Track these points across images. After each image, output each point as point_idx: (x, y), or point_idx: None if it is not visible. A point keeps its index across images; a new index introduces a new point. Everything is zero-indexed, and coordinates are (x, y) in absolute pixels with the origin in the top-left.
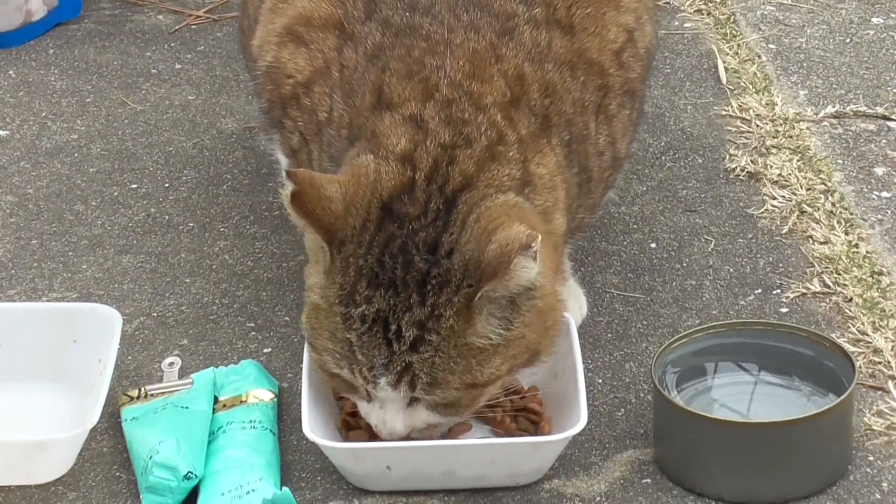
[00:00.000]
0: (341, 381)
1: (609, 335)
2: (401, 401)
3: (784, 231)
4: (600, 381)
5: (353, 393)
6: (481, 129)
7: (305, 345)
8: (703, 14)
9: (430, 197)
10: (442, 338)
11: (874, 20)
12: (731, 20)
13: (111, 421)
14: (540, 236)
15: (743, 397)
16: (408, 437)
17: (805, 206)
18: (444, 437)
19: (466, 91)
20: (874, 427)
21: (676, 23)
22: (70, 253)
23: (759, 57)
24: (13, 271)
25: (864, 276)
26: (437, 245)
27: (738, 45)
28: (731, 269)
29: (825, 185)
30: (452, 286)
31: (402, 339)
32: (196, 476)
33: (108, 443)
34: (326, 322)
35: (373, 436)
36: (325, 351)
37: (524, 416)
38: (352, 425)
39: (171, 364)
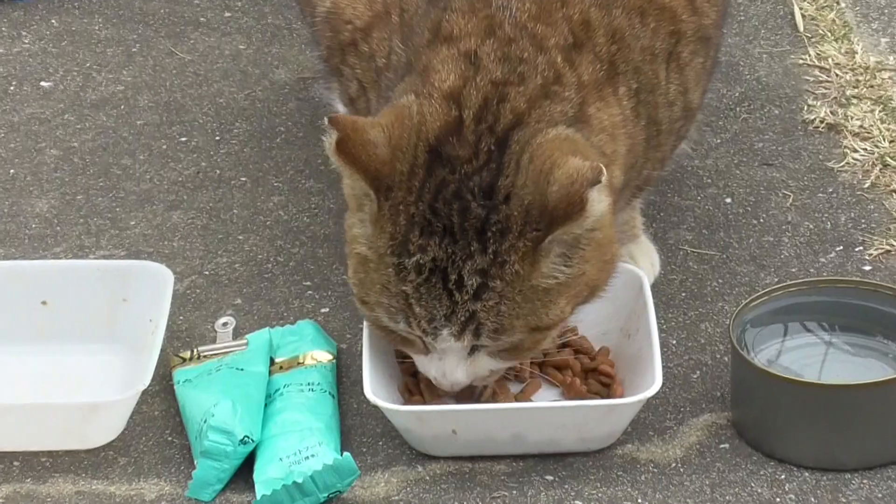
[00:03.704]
0: (396, 336)
1: (683, 294)
2: (462, 350)
3: (866, 185)
4: (674, 341)
5: (408, 347)
6: (538, 69)
7: None
8: None
9: (480, 137)
10: (506, 283)
11: None
12: None
13: (163, 383)
14: (601, 165)
15: (823, 358)
16: (468, 395)
17: (888, 158)
18: (513, 399)
19: (530, 32)
20: None
21: None
22: (118, 209)
23: (838, 3)
24: (59, 228)
25: None
26: (492, 190)
27: None
28: (811, 225)
29: None
30: (515, 232)
31: (464, 287)
32: (253, 440)
33: (160, 406)
34: (377, 275)
35: (432, 402)
36: (377, 305)
37: (595, 378)
38: (412, 390)
39: (225, 324)
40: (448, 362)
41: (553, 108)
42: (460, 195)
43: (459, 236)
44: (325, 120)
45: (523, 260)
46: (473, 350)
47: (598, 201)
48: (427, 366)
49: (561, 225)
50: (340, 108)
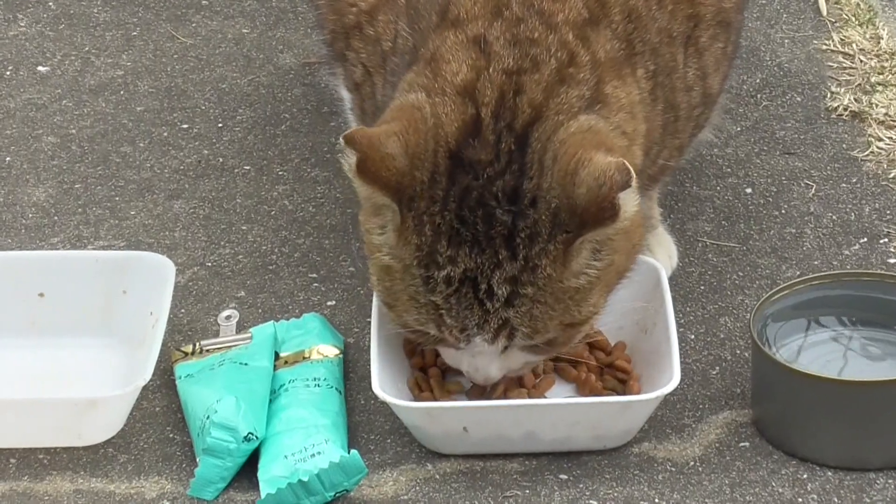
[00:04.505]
0: (426, 336)
1: (702, 287)
2: (496, 350)
3: (891, 175)
4: (693, 336)
5: (438, 344)
6: (551, 50)
7: (374, 297)
8: None
9: (499, 137)
10: (538, 288)
11: None
12: None
13: (164, 378)
14: (626, 163)
15: (848, 353)
16: (480, 392)
17: None
18: (526, 396)
19: (538, 10)
20: None
21: None
22: (117, 198)
23: None
24: (56, 217)
25: None
26: (517, 194)
27: None
28: (834, 217)
29: None
30: (544, 236)
31: (495, 296)
32: (257, 437)
33: (161, 402)
34: (403, 285)
35: (442, 398)
36: (405, 312)
37: (611, 373)
38: (422, 386)
39: (228, 317)
40: (481, 359)
41: (570, 94)
42: (484, 201)
43: (486, 245)
44: (341, 140)
45: (555, 262)
46: (507, 346)
47: (629, 202)
48: (458, 360)
49: (592, 228)
50: (345, 95)
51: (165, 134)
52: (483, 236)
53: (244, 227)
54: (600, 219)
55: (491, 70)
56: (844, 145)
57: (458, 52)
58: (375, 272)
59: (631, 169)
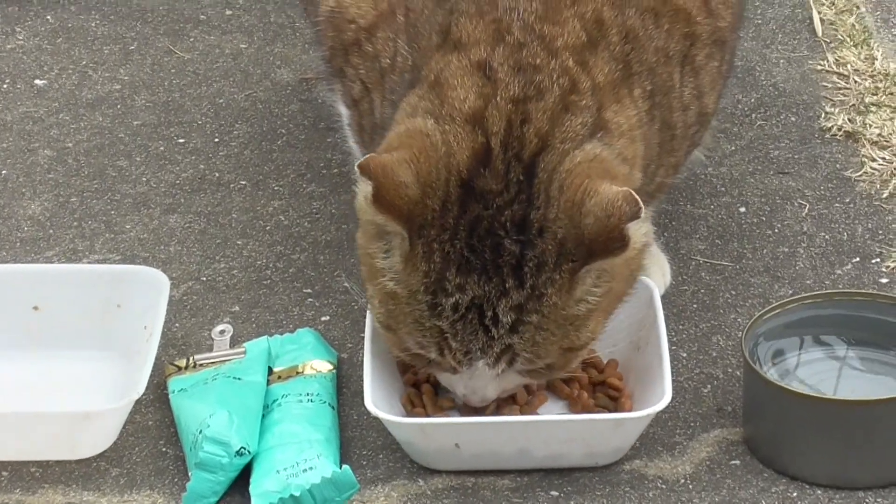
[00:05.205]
0: (423, 359)
1: (695, 305)
2: (494, 372)
3: (884, 195)
4: (685, 354)
5: (434, 368)
6: (553, 77)
7: (368, 313)
8: None
9: (508, 167)
10: (543, 315)
11: None
12: None
13: (157, 392)
14: (633, 192)
15: (839, 373)
16: (473, 408)
17: None
18: (519, 413)
19: (538, 34)
20: None
21: None
22: (113, 212)
23: (858, 7)
24: (51, 231)
25: None
26: (525, 224)
27: None
28: (827, 236)
29: None
30: (550, 265)
31: (500, 323)
32: (249, 452)
33: (154, 416)
34: (408, 310)
35: (435, 414)
36: (407, 336)
37: (603, 391)
38: (415, 402)
39: (222, 332)
40: (478, 381)
41: (574, 123)
42: (493, 231)
43: (494, 273)
44: (356, 170)
45: (560, 291)
46: (506, 370)
47: (638, 232)
48: (454, 383)
49: (601, 258)
50: (343, 111)
51: (162, 148)
52: (491, 265)
53: (239, 242)
54: (610, 249)
55: (498, 98)
56: (838, 165)
57: (464, 78)
58: (377, 295)
59: (638, 199)
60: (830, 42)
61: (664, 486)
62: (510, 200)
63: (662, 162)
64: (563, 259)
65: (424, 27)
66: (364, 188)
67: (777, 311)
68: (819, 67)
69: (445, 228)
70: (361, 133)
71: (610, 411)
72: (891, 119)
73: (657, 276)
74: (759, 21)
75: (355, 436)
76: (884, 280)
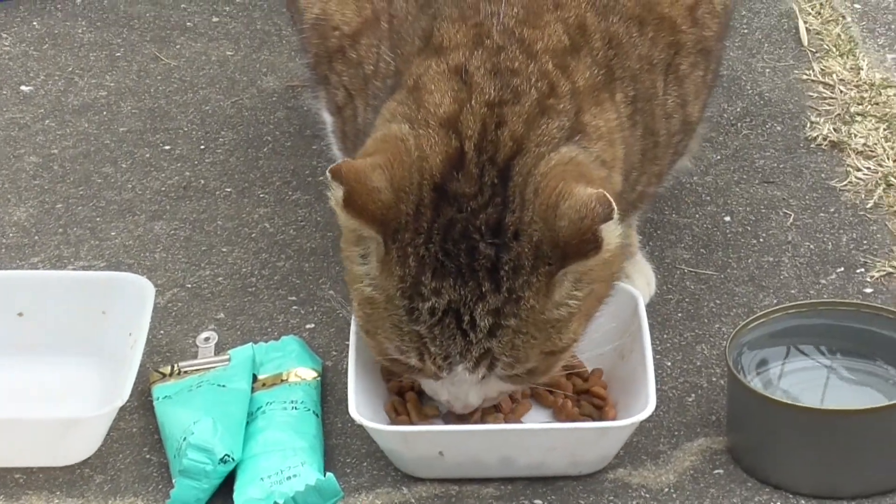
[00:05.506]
0: (404, 365)
1: (679, 315)
2: (475, 378)
3: (869, 205)
4: (669, 363)
5: (416, 374)
6: (531, 81)
7: (353, 320)
8: None
9: (482, 170)
10: (521, 319)
11: None
12: None
13: (141, 399)
14: (606, 194)
15: (822, 382)
16: (457, 416)
17: (892, 178)
18: (503, 421)
19: (518, 38)
20: None
21: None
22: (98, 218)
23: (844, 17)
24: (37, 237)
25: None
26: (500, 227)
27: (821, 5)
28: (812, 246)
29: None
30: (527, 268)
31: (478, 327)
32: (233, 459)
33: (139, 423)
34: (386, 314)
35: (419, 422)
36: (386, 340)
37: (588, 400)
38: (399, 410)
39: (207, 339)
40: (461, 387)
41: (551, 126)
42: (468, 234)
43: (470, 277)
44: (328, 174)
45: (537, 294)
46: (486, 375)
47: (612, 234)
48: (437, 390)
49: (575, 260)
50: (327, 118)
51: (147, 155)
52: (467, 268)
53: (224, 249)
54: (583, 251)
55: (473, 102)
56: (823, 175)
57: (441, 83)
58: (356, 300)
59: (612, 200)
60: (816, 52)
61: (648, 495)
62: (485, 204)
63: (645, 170)
64: (539, 262)
65: (408, 33)
66: (336, 192)
67: (761, 320)
68: (805, 77)
69: (420, 232)
70: (345, 140)
71: (594, 420)
72: (876, 129)
73: (642, 284)
74: (745, 30)
75: (339, 443)
76: (868, 290)
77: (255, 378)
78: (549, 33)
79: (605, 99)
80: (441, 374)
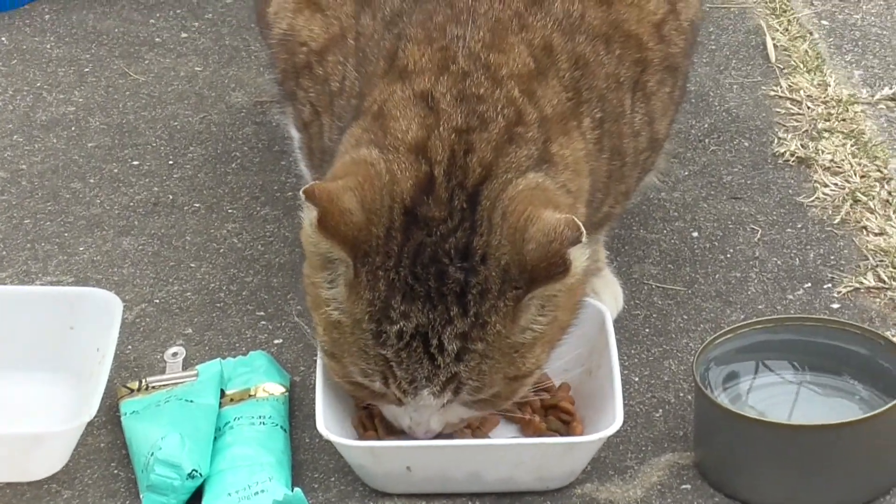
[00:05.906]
0: (366, 391)
1: (647, 330)
2: (439, 404)
3: (836, 221)
4: (637, 379)
5: (378, 400)
6: (497, 107)
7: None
8: None
9: (452, 195)
10: (488, 344)
11: None
12: None
13: (109, 414)
14: (575, 219)
15: (789, 398)
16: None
17: (859, 194)
18: (470, 436)
19: (483, 63)
20: None
21: None
22: (66, 234)
23: (811, 34)
24: (4, 253)
25: None
26: (468, 251)
27: (789, 21)
28: (779, 261)
29: (881, 172)
30: (494, 292)
31: (445, 352)
32: (201, 475)
33: (106, 438)
34: (353, 338)
35: (386, 438)
36: (351, 364)
37: (555, 415)
38: (366, 425)
39: (175, 354)
40: (422, 413)
41: (519, 154)
42: (437, 258)
43: (438, 301)
44: (301, 195)
45: (504, 319)
46: (451, 400)
47: (580, 258)
48: (399, 416)
49: (543, 284)
50: (294, 134)
51: (116, 170)
52: (435, 292)
53: (193, 265)
54: (551, 274)
55: (441, 128)
56: (790, 191)
57: (406, 110)
58: (322, 325)
59: (580, 224)
60: (784, 68)
61: None
62: (454, 228)
63: (611, 191)
64: (506, 286)
65: (373, 51)
66: (310, 214)
67: (729, 335)
68: (772, 93)
69: (389, 256)
70: (311, 157)
71: (561, 435)
72: (843, 145)
73: (609, 300)
74: (713, 46)
75: (307, 459)
76: (835, 305)
77: (222, 393)
78: (514, 57)
79: (573, 128)
80: (405, 399)
